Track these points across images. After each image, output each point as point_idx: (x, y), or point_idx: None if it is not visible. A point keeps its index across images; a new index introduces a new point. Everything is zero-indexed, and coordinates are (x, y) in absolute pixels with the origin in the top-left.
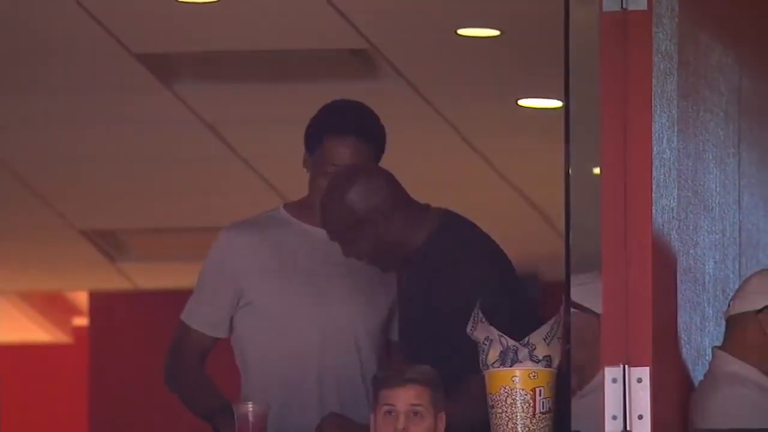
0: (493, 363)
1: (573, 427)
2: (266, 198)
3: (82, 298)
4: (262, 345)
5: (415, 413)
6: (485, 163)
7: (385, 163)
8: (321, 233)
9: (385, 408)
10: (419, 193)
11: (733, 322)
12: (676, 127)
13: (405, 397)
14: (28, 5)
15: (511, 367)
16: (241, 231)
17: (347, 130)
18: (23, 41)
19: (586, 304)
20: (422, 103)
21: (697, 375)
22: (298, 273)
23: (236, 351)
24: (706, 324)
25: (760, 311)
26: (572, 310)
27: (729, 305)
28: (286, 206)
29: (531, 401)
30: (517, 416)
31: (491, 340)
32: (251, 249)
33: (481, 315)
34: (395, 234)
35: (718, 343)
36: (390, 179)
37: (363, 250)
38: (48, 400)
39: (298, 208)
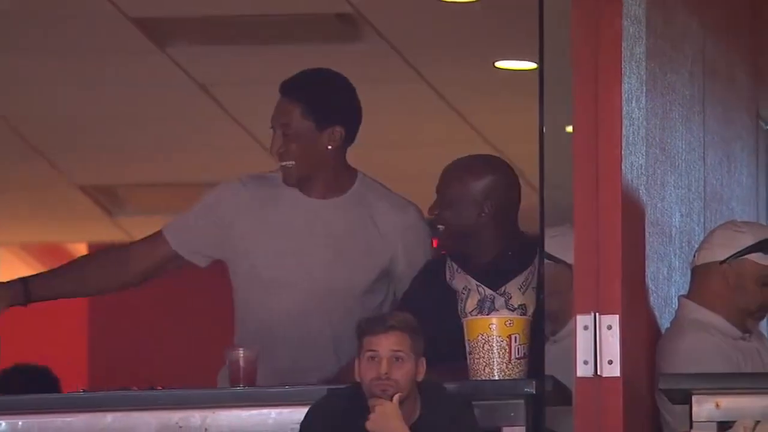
0: (471, 311)
1: (547, 371)
2: (254, 155)
3: (81, 250)
4: (247, 299)
5: (397, 358)
6: (464, 122)
7: (369, 122)
8: (313, 202)
9: (369, 353)
10: (401, 152)
11: (698, 272)
12: (644, 88)
13: (387, 343)
14: None
15: (488, 315)
16: (248, 185)
17: (282, 90)
18: (24, 4)
19: (559, 256)
20: (404, 65)
21: (664, 322)
22: (286, 236)
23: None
24: (673, 274)
25: (723, 262)
26: (546, 261)
27: (694, 256)
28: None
29: (507, 347)
30: (494, 361)
31: (469, 289)
32: (249, 203)
33: (456, 266)
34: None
35: (684, 293)
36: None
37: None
38: (47, 348)
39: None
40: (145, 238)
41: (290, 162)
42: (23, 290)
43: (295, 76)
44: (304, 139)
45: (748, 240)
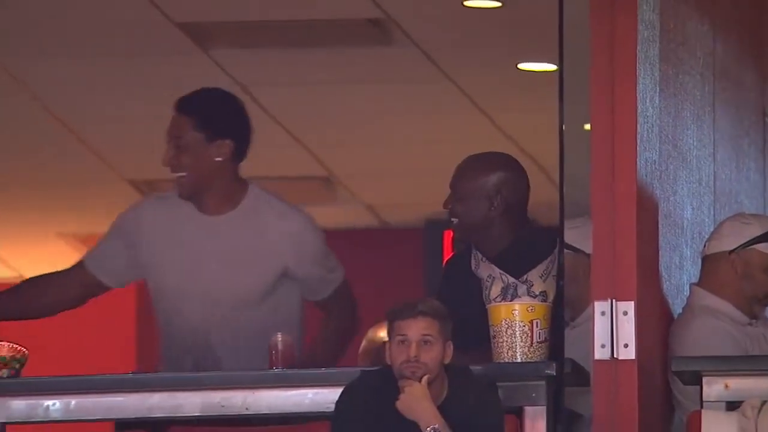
0: (495, 298)
1: (566, 354)
2: (291, 150)
3: None
4: (159, 309)
5: (426, 342)
6: (488, 120)
7: (397, 121)
8: (208, 219)
9: (399, 338)
10: (429, 149)
11: (708, 261)
12: (657, 88)
13: (416, 328)
14: None
15: (511, 301)
16: (150, 205)
17: (178, 106)
18: (79, 12)
19: (578, 246)
20: (432, 66)
21: (677, 308)
22: (186, 251)
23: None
24: (684, 263)
25: (732, 252)
26: (565, 251)
27: (704, 246)
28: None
29: (529, 332)
30: (516, 345)
31: (493, 277)
32: (152, 222)
33: (480, 255)
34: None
35: (695, 280)
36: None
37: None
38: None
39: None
40: (68, 268)
41: (182, 173)
42: None
43: (192, 93)
44: (194, 150)
45: (755, 231)
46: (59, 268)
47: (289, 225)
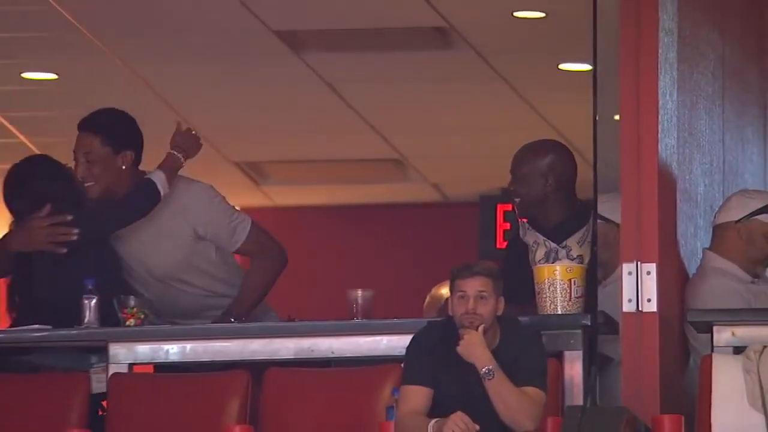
0: (540, 260)
1: (599, 308)
2: (368, 137)
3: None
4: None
5: (481, 297)
6: (534, 112)
7: (457, 113)
8: None
9: (459, 293)
10: (484, 136)
11: (718, 230)
12: (676, 85)
13: (474, 285)
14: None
15: (553, 263)
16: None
17: (83, 126)
18: (190, 23)
19: (609, 217)
20: (486, 67)
21: (692, 269)
22: (138, 226)
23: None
24: (698, 231)
25: (738, 221)
26: (599, 221)
27: (715, 217)
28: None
29: (567, 289)
30: (557, 300)
31: (538, 243)
32: None
33: (528, 225)
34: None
35: (707, 246)
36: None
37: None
38: None
39: None
40: None
41: (91, 182)
42: None
43: (92, 114)
44: (104, 162)
45: (757, 204)
46: None
47: (188, 195)
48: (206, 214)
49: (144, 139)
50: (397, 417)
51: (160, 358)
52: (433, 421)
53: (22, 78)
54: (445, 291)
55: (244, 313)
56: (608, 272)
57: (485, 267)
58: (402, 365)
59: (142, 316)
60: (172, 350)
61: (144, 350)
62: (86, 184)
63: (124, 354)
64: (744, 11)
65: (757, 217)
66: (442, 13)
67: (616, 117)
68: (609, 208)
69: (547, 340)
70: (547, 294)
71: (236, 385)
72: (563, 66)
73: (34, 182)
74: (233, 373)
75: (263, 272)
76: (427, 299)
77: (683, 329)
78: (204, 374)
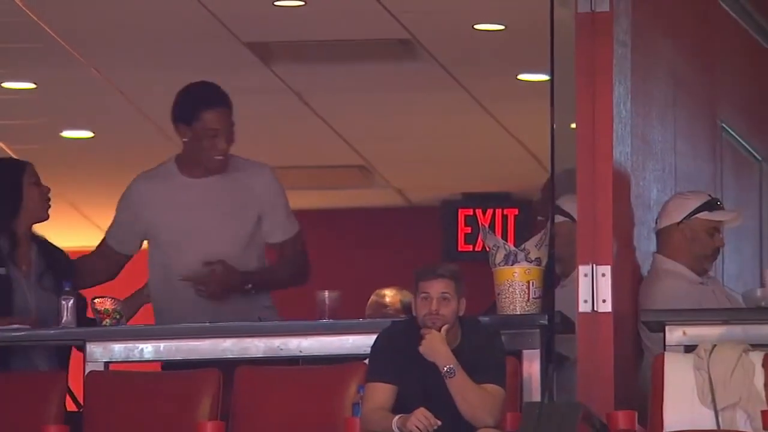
0: (500, 263)
1: (556, 308)
2: (336, 145)
3: None
4: (158, 265)
5: (444, 298)
6: (494, 121)
7: (420, 121)
8: (196, 182)
9: (422, 295)
10: (446, 143)
11: (662, 234)
12: (629, 95)
13: (436, 287)
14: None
15: (512, 265)
16: (142, 181)
17: (216, 102)
18: (166, 34)
19: (575, 215)
20: (449, 78)
21: (645, 271)
22: (181, 212)
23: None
24: (651, 235)
25: (680, 222)
26: (564, 219)
27: (656, 222)
28: (177, 157)
29: (526, 290)
30: (516, 300)
31: (498, 246)
32: (148, 197)
33: (487, 229)
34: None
35: (656, 250)
36: None
37: None
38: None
39: (182, 162)
40: (96, 248)
41: (222, 156)
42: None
43: (218, 89)
44: (232, 133)
45: (695, 203)
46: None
47: (263, 178)
48: (272, 197)
49: (120, 148)
50: (362, 413)
51: (135, 357)
52: (397, 416)
53: (2, 87)
54: (386, 292)
55: (262, 285)
56: (571, 269)
57: (448, 269)
58: (367, 363)
59: (118, 317)
60: (147, 349)
61: (119, 349)
62: (217, 158)
63: (101, 353)
64: (695, 23)
65: (697, 215)
66: (406, 26)
67: (573, 125)
68: (575, 207)
69: (506, 340)
70: (507, 295)
71: (208, 382)
72: (522, 76)
73: None
74: (205, 371)
75: (292, 269)
76: (371, 298)
77: (637, 329)
78: (177, 372)
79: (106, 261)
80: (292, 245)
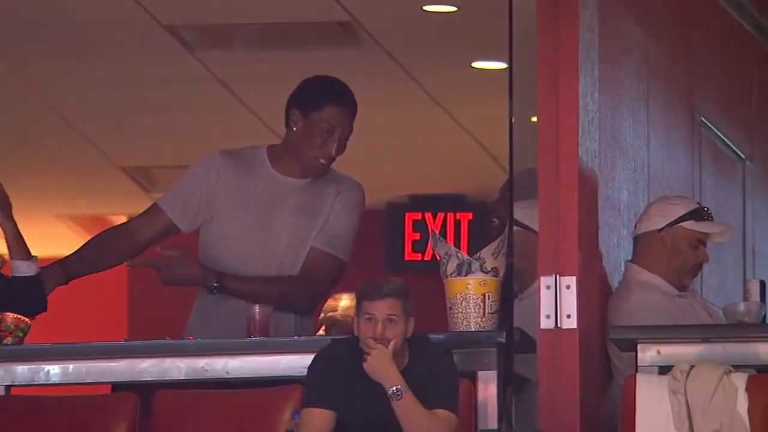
0: (452, 273)
1: (515, 324)
2: (266, 140)
3: (121, 220)
4: (215, 257)
5: (390, 320)
6: (446, 114)
7: (363, 115)
8: (284, 180)
9: (366, 316)
10: (392, 139)
11: (640, 240)
12: (598, 85)
13: (382, 308)
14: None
15: (465, 276)
16: (226, 158)
17: (341, 101)
18: (75, 15)
19: (528, 224)
20: (395, 65)
21: (614, 283)
22: (252, 206)
23: (200, 254)
24: (621, 242)
25: (661, 230)
26: (518, 229)
27: (635, 227)
28: (269, 148)
29: (481, 304)
30: (470, 316)
31: (450, 255)
32: (227, 175)
33: (438, 235)
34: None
35: (630, 258)
36: None
37: None
38: (92, 315)
39: (276, 154)
40: (144, 212)
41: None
42: (62, 272)
43: (343, 87)
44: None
45: (681, 210)
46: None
47: (351, 194)
48: (345, 210)
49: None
50: None
51: (40, 380)
52: None
53: None
54: (343, 304)
55: (233, 290)
56: (526, 284)
57: (395, 287)
58: (303, 386)
59: (21, 335)
60: (53, 371)
61: (23, 371)
62: (322, 161)
63: (1, 375)
64: (668, 5)
65: (681, 224)
66: (346, 6)
67: (534, 119)
68: (528, 214)
69: (459, 359)
70: (460, 309)
71: (123, 408)
72: (477, 64)
73: None
74: (120, 395)
75: (290, 287)
76: (321, 316)
77: (605, 347)
78: (87, 397)
79: (130, 239)
80: (322, 262)
